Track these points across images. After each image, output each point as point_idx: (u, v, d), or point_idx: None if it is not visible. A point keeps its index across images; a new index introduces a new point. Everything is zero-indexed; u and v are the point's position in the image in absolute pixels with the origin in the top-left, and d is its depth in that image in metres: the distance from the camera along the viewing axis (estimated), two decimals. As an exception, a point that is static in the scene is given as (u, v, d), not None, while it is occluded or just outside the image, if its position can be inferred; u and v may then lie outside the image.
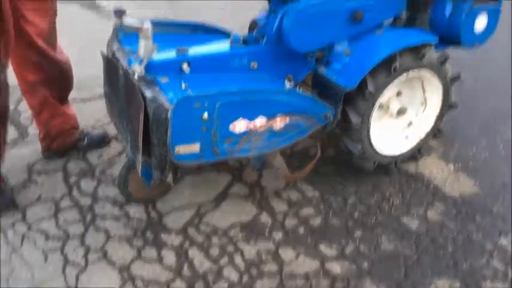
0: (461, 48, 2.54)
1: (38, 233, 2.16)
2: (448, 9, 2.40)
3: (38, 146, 2.60)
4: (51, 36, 2.27)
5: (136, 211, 2.30)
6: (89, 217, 2.26)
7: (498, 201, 2.41)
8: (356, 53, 2.21)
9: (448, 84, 2.43)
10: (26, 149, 2.68)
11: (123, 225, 2.22)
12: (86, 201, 2.35)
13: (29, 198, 2.34)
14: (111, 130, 2.80)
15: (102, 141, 2.73)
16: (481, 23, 2.43)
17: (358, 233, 2.23)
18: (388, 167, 2.53)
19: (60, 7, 2.29)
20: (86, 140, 2.66)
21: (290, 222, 2.28)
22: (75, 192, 2.40)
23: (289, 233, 2.22)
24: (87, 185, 2.45)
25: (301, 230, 2.24)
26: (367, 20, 2.18)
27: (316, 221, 2.28)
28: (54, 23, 2.28)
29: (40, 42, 2.20)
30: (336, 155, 2.70)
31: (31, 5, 2.11)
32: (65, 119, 2.53)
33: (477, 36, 2.48)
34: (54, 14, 2.26)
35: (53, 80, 2.35)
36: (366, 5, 2.14)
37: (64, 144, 2.59)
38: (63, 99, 2.51)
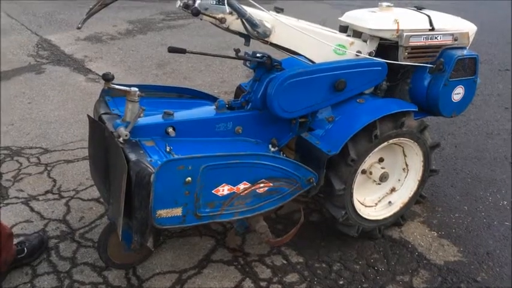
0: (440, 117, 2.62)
1: (11, 300, 2.08)
2: (427, 81, 2.48)
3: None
4: None
5: (116, 276, 2.23)
6: (66, 283, 2.18)
7: (483, 270, 2.39)
8: (338, 120, 2.27)
9: (428, 152, 2.48)
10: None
11: (101, 292, 2.15)
12: (64, 266, 2.28)
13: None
14: (95, 192, 2.78)
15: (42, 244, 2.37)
16: (458, 94, 2.53)
17: (342, 302, 2.18)
18: (372, 232, 2.52)
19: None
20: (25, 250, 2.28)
21: (274, 289, 2.22)
22: (53, 257, 2.33)
23: (272, 301, 2.16)
24: (66, 248, 2.39)
25: (285, 297, 2.18)
26: (348, 90, 2.25)
27: (300, 289, 2.23)
28: None
29: None
30: (320, 219, 2.69)
31: None
32: None
33: (455, 107, 2.56)
34: None
35: None
36: (347, 75, 2.23)
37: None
38: None
